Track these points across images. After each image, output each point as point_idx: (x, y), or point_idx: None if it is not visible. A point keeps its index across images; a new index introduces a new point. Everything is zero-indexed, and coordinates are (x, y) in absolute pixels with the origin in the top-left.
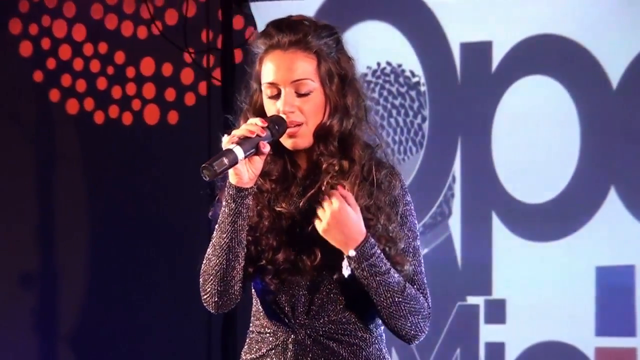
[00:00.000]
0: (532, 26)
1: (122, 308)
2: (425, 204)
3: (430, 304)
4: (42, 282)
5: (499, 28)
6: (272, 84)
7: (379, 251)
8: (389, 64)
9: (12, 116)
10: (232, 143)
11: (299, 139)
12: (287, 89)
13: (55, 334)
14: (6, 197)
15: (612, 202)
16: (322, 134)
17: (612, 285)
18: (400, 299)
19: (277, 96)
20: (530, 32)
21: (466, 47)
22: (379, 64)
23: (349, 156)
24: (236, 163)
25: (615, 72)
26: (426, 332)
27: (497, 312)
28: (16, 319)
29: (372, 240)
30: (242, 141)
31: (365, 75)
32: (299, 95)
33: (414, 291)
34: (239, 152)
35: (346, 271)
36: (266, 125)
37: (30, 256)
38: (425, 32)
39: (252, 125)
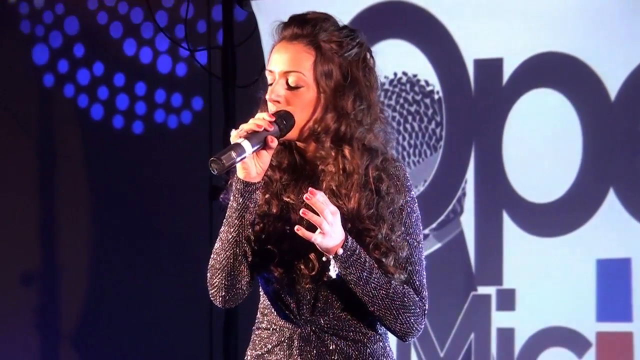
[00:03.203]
0: (538, 45)
1: (123, 307)
2: (442, 203)
3: (426, 303)
4: (43, 281)
5: (509, 46)
6: (270, 72)
7: (359, 247)
8: (404, 74)
9: (14, 115)
10: (240, 137)
11: None
12: (279, 79)
13: (56, 332)
14: (8, 195)
15: (611, 202)
16: (314, 131)
17: (610, 276)
18: (386, 295)
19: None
20: (537, 50)
21: (479, 63)
22: (395, 74)
23: (347, 159)
24: (244, 157)
25: (612, 85)
26: (420, 330)
27: (507, 300)
28: (17, 317)
29: (350, 237)
30: (250, 135)
31: (383, 84)
32: (289, 87)
33: (401, 288)
34: (247, 146)
35: (334, 272)
36: (274, 119)
37: (31, 254)
38: (442, 50)
39: (259, 120)
